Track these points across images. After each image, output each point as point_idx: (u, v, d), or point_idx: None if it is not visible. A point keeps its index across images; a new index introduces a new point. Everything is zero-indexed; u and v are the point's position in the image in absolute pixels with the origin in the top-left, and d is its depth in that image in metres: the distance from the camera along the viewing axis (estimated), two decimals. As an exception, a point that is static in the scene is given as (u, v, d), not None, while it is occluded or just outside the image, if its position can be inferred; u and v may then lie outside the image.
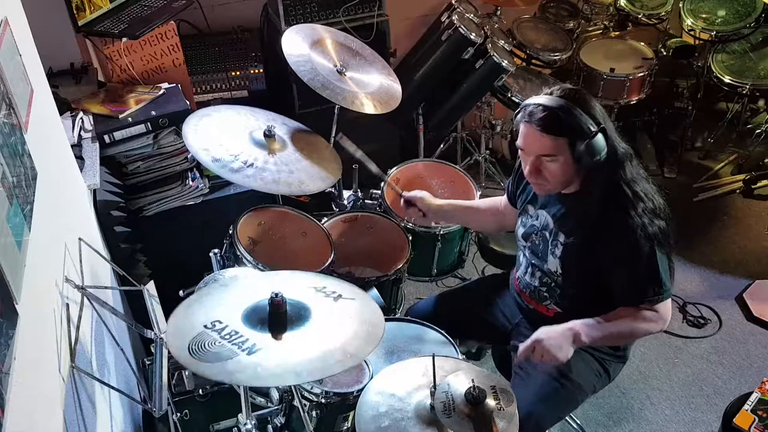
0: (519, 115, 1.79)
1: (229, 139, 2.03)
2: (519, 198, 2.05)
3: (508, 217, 2.14)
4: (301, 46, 2.29)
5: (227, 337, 1.33)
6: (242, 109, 2.21)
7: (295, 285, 1.49)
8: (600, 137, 1.72)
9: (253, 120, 2.16)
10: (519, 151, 1.83)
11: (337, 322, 1.40)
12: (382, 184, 2.45)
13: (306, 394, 1.75)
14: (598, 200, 1.78)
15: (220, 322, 1.37)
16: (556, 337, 1.77)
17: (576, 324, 1.80)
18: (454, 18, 3.05)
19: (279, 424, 1.79)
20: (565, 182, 1.82)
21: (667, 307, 1.83)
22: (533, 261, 1.98)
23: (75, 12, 2.47)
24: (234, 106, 2.23)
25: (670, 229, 1.78)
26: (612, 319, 1.82)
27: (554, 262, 1.90)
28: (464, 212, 2.22)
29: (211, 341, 1.31)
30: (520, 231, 2.01)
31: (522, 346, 1.82)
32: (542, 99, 1.75)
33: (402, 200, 2.20)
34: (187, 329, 1.35)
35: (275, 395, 1.81)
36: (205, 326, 1.35)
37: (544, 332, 1.79)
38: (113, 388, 1.71)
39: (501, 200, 2.18)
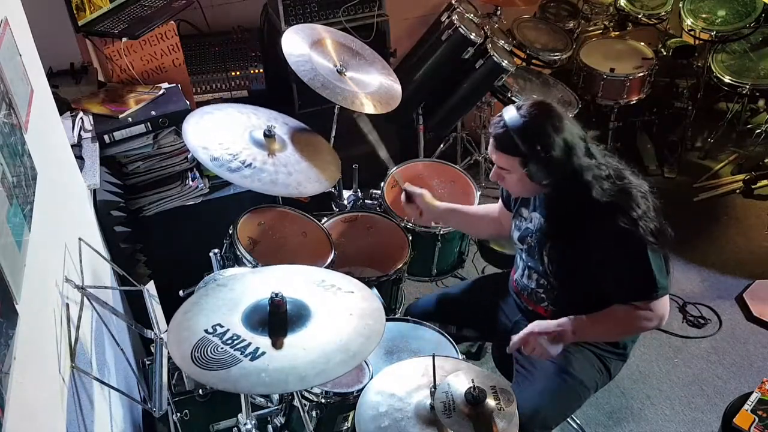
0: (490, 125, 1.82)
1: (229, 138, 2.03)
2: (513, 201, 2.05)
3: (504, 224, 2.14)
4: (301, 46, 2.29)
5: (229, 342, 1.32)
6: (244, 108, 2.21)
7: (291, 281, 1.49)
8: (553, 160, 1.72)
9: (255, 119, 2.16)
10: None
11: (337, 318, 1.40)
12: (382, 183, 2.45)
13: (306, 394, 1.75)
14: (578, 207, 1.79)
15: (221, 326, 1.36)
16: (549, 333, 1.84)
17: (567, 321, 1.84)
18: (454, 18, 3.05)
19: (279, 424, 1.80)
20: (526, 192, 1.88)
21: (663, 304, 1.83)
22: (529, 263, 1.98)
23: (75, 12, 2.47)
24: (236, 105, 2.23)
25: (664, 228, 1.79)
26: (605, 316, 1.85)
27: (549, 264, 1.90)
28: (462, 218, 2.23)
29: (214, 347, 1.31)
30: (516, 234, 2.01)
31: (516, 338, 1.87)
32: (507, 114, 1.78)
33: (403, 193, 2.21)
34: (188, 335, 1.34)
35: (275, 395, 1.81)
36: (206, 331, 1.35)
37: (537, 326, 1.86)
38: (113, 388, 1.71)
39: (496, 207, 2.19)
